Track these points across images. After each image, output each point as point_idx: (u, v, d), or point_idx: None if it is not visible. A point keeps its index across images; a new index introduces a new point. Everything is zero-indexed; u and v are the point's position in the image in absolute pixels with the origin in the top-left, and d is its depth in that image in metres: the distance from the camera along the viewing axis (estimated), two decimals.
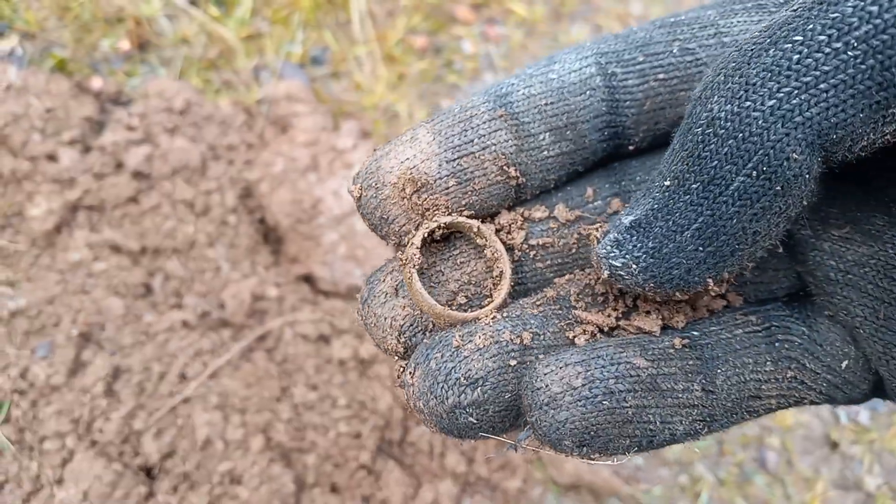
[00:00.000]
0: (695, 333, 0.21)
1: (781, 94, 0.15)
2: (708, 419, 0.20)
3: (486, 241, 0.22)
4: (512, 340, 0.20)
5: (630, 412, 0.19)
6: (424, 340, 0.21)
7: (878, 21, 0.14)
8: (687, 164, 0.17)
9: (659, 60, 0.21)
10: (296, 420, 1.34)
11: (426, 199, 0.21)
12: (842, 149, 0.16)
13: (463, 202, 0.21)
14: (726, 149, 0.16)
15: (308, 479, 1.29)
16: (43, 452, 1.27)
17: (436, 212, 0.21)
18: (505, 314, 0.21)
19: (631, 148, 0.23)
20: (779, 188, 0.16)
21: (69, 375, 1.32)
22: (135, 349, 1.38)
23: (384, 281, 0.23)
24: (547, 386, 0.19)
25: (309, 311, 1.50)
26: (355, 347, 1.46)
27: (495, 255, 0.22)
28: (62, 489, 1.19)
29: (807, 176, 0.16)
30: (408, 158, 0.20)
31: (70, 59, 1.73)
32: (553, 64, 0.22)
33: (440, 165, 0.20)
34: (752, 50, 0.16)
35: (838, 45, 0.15)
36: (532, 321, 0.21)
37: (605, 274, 0.19)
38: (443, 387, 0.19)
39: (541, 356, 0.20)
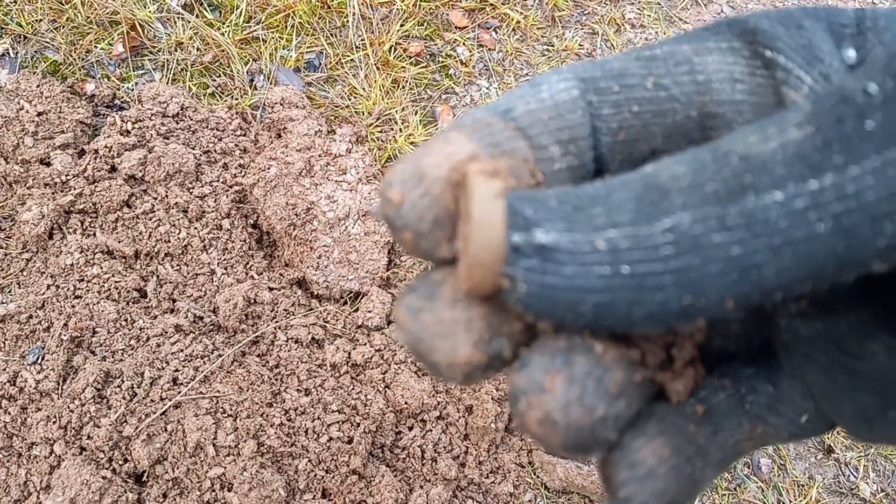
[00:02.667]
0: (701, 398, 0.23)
1: (749, 248, 0.16)
2: (708, 478, 0.22)
3: None
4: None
5: (697, 475, 0.20)
6: (554, 341, 0.18)
7: (854, 203, 0.15)
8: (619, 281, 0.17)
9: (633, 93, 0.21)
10: (287, 425, 1.33)
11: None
12: (773, 300, 0.17)
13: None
14: (679, 264, 0.17)
15: (299, 485, 1.29)
16: (31, 459, 1.26)
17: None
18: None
19: (606, 176, 0.23)
20: (697, 320, 0.17)
21: (59, 381, 1.32)
22: (126, 354, 1.38)
23: (442, 284, 0.20)
24: (644, 459, 0.19)
25: (302, 315, 1.50)
26: (348, 352, 1.46)
27: None
28: (49, 496, 1.19)
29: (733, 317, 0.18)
30: (452, 153, 0.19)
31: (63, 63, 1.73)
32: (540, 85, 0.22)
33: (486, 158, 0.19)
34: (733, 183, 0.17)
35: (812, 216, 0.15)
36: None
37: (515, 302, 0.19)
38: (593, 395, 0.18)
39: (626, 433, 0.21)
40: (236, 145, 1.68)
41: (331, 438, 1.32)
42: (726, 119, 0.22)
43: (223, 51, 1.79)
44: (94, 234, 1.50)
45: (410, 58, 1.91)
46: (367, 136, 1.75)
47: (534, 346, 0.20)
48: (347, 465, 1.30)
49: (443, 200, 0.19)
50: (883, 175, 0.15)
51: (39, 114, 1.58)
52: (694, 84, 0.22)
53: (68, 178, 1.52)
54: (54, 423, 1.26)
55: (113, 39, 1.77)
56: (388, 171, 0.20)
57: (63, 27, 1.75)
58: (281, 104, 1.69)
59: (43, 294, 1.42)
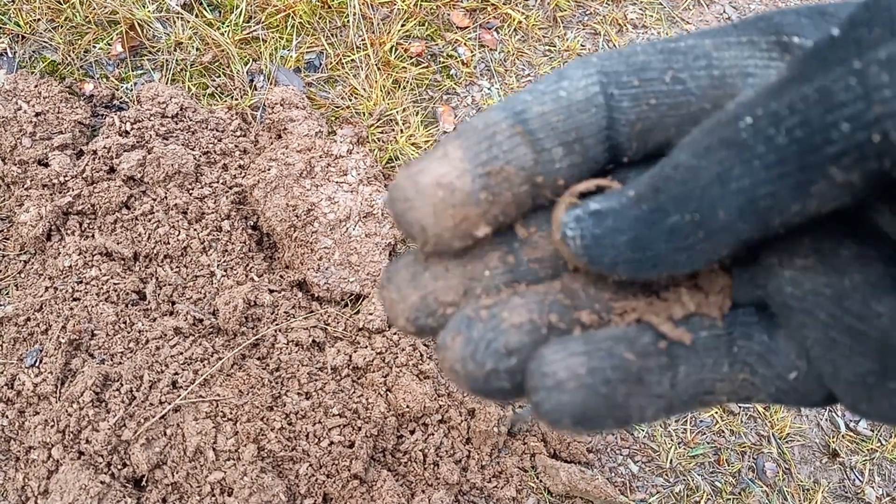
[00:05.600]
0: None
1: (726, 165, 0.19)
2: (669, 408, 0.23)
3: None
4: (541, 319, 0.23)
5: (620, 399, 0.21)
6: (466, 310, 0.23)
7: (803, 116, 0.17)
8: (649, 190, 0.21)
9: (651, 87, 0.23)
10: (288, 429, 1.32)
11: (460, 211, 0.23)
12: (773, 215, 0.19)
13: (491, 213, 0.23)
14: (678, 191, 0.20)
15: (300, 490, 1.27)
16: (29, 463, 1.24)
17: (466, 223, 0.23)
18: (533, 296, 0.24)
19: (625, 160, 0.26)
20: (705, 240, 0.20)
21: (57, 384, 1.30)
22: (125, 357, 1.36)
23: (401, 271, 0.25)
24: (554, 372, 0.21)
25: (303, 317, 1.48)
26: (349, 355, 1.44)
27: None
28: (47, 501, 1.17)
29: (731, 230, 0.20)
30: (443, 175, 0.22)
31: (61, 63, 1.71)
32: (562, 80, 0.24)
33: (473, 181, 0.22)
34: (724, 119, 0.19)
35: (772, 131, 0.18)
36: (556, 306, 0.23)
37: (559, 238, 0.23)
38: (483, 354, 0.22)
39: (549, 342, 0.23)
40: (236, 146, 1.66)
41: (332, 442, 1.31)
42: None
43: (223, 51, 1.78)
44: (93, 236, 1.49)
45: (411, 58, 1.90)
46: (368, 136, 1.74)
47: (456, 312, 0.24)
48: (349, 470, 1.28)
49: (431, 216, 0.23)
50: (827, 91, 0.17)
51: (37, 114, 1.57)
52: (709, 78, 0.24)
53: (66, 179, 1.50)
54: (52, 426, 1.25)
55: (112, 39, 1.75)
56: (391, 184, 0.23)
57: (61, 27, 1.74)
58: (281, 105, 1.68)
59: (41, 296, 1.41)
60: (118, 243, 1.48)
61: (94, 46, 1.74)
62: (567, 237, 0.22)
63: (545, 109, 0.23)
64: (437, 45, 1.95)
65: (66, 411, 1.26)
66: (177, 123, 1.62)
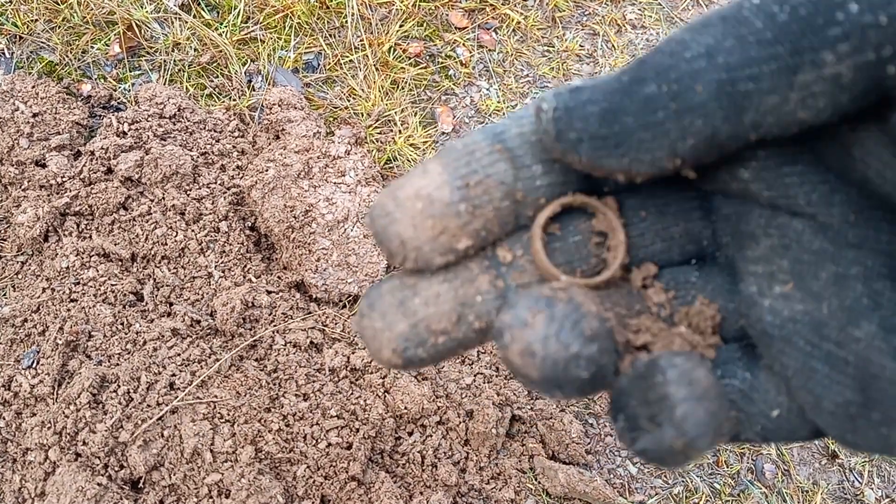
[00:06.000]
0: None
1: (718, 39, 0.18)
2: None
3: (606, 217, 0.25)
4: (605, 315, 0.23)
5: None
6: (540, 289, 0.22)
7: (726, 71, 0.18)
8: (635, 63, 0.20)
9: None
10: (286, 430, 1.31)
11: (439, 221, 0.23)
12: (748, 103, 0.18)
13: (472, 226, 0.23)
14: (662, 62, 0.19)
15: (297, 491, 1.27)
16: (26, 465, 1.24)
17: (446, 235, 0.23)
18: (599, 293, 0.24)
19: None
20: (674, 107, 0.19)
21: (54, 385, 1.30)
22: (122, 358, 1.36)
23: (385, 297, 0.24)
24: (699, 379, 0.22)
25: (301, 319, 1.48)
26: (347, 356, 1.44)
27: (612, 229, 0.25)
28: (44, 503, 1.17)
29: (703, 111, 0.19)
30: (422, 187, 0.23)
31: (59, 63, 1.71)
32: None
33: (451, 192, 0.23)
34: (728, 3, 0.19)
35: (775, 8, 0.17)
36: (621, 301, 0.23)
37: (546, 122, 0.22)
38: (569, 334, 0.20)
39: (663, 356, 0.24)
40: (234, 147, 1.66)
41: (329, 444, 1.30)
42: None
43: (221, 51, 1.77)
44: (90, 237, 1.49)
45: (410, 58, 1.90)
46: (366, 137, 1.74)
47: (518, 294, 0.23)
48: (347, 472, 1.28)
49: (408, 228, 0.22)
50: (742, 43, 0.18)
51: (35, 115, 1.57)
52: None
53: (64, 179, 1.50)
54: (49, 428, 1.25)
55: (109, 40, 1.75)
56: (372, 205, 0.24)
57: (59, 27, 1.74)
58: (279, 105, 1.67)
59: (38, 297, 1.40)
60: (116, 244, 1.47)
61: (92, 47, 1.74)
62: (542, 111, 0.22)
63: (524, 130, 0.23)
64: (435, 45, 1.94)
65: (63, 413, 1.25)
66: (174, 124, 1.62)
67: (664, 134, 0.20)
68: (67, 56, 1.71)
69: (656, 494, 1.47)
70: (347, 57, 1.84)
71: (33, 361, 1.33)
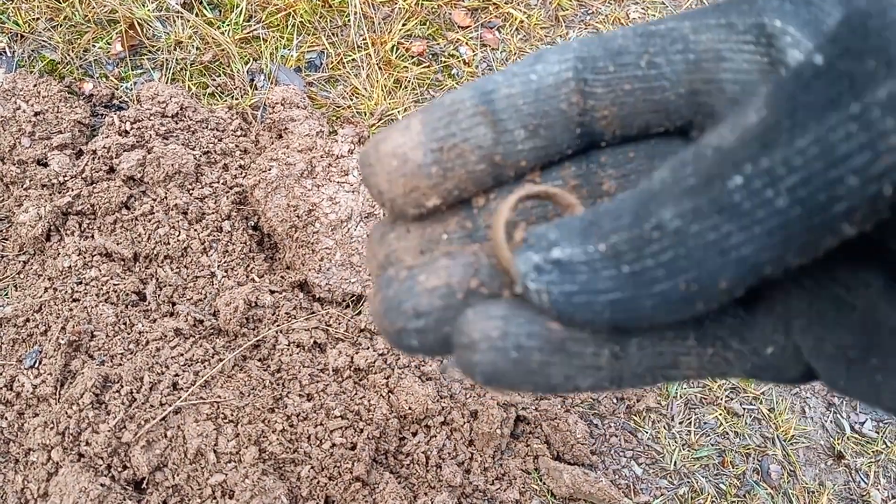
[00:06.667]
0: None
1: (722, 232, 0.17)
2: (616, 380, 0.22)
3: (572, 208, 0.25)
4: (460, 283, 0.23)
5: (534, 365, 0.21)
6: (389, 270, 0.24)
7: (804, 173, 0.16)
8: (628, 248, 0.19)
9: (626, 72, 0.23)
10: (289, 431, 1.31)
11: (410, 181, 0.24)
12: (775, 272, 0.18)
13: (443, 186, 0.24)
14: (667, 257, 0.18)
15: (302, 492, 1.26)
16: (28, 465, 1.23)
17: (416, 193, 0.24)
18: (461, 259, 0.24)
19: (602, 144, 0.25)
20: (702, 304, 0.19)
21: (57, 385, 1.29)
22: (125, 358, 1.35)
23: (375, 231, 0.26)
24: (469, 332, 0.21)
25: (304, 318, 1.47)
26: (351, 356, 1.43)
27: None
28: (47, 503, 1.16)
29: (734, 292, 0.19)
30: (399, 145, 0.23)
31: (61, 62, 1.70)
32: (537, 64, 0.24)
33: (425, 154, 0.23)
34: (705, 174, 0.18)
35: (770, 193, 0.16)
36: (484, 270, 0.23)
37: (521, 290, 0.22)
38: (394, 313, 0.22)
39: (478, 304, 0.23)
40: (237, 146, 1.65)
41: (334, 444, 1.30)
42: (711, 96, 0.23)
43: (223, 50, 1.76)
44: (93, 236, 1.48)
45: (413, 57, 1.89)
46: (369, 136, 1.73)
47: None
48: (351, 472, 1.27)
49: (384, 181, 0.24)
50: (826, 143, 0.16)
51: (36, 114, 1.56)
52: (684, 63, 0.23)
53: (66, 179, 1.49)
54: (52, 428, 1.24)
55: (111, 38, 1.74)
56: (362, 148, 0.25)
57: (60, 26, 1.73)
58: (282, 104, 1.67)
59: (40, 297, 1.39)
60: (118, 244, 1.47)
61: (94, 45, 1.73)
62: (530, 291, 0.21)
63: (512, 92, 0.23)
64: (438, 44, 1.94)
65: (66, 413, 1.25)
66: (177, 123, 1.61)
67: (694, 312, 0.19)
68: (69, 55, 1.71)
69: (661, 495, 1.46)
70: (350, 56, 1.84)
71: (35, 361, 1.32)
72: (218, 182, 1.57)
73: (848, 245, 0.19)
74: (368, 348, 1.45)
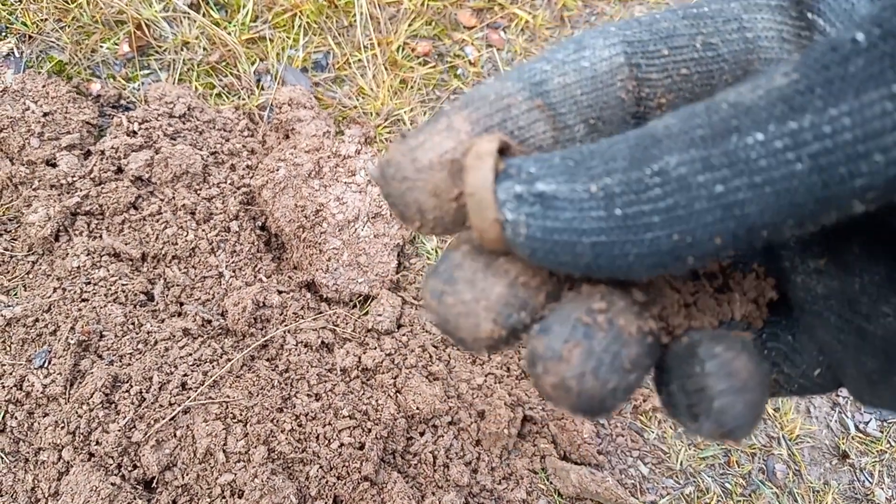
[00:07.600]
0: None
1: (730, 186, 0.17)
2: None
3: None
4: (649, 327, 0.21)
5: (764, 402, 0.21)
6: (575, 312, 0.20)
7: (831, 143, 0.15)
8: (625, 189, 0.18)
9: (682, 55, 0.22)
10: (298, 430, 1.31)
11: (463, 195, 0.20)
12: (770, 237, 0.18)
13: None
14: (666, 204, 0.17)
15: (310, 492, 1.27)
16: (38, 464, 1.24)
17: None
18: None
19: None
20: (692, 258, 0.18)
21: (66, 385, 1.30)
22: (134, 358, 1.36)
23: (462, 266, 0.22)
24: (738, 371, 0.21)
25: (311, 318, 1.48)
26: (358, 356, 1.44)
27: None
28: (58, 503, 1.17)
29: (727, 250, 0.18)
30: (447, 151, 0.20)
31: (69, 63, 1.71)
32: (583, 50, 0.22)
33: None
34: (720, 127, 0.17)
35: (791, 155, 0.16)
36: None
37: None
38: (608, 371, 0.19)
39: (703, 344, 0.22)
40: (244, 146, 1.66)
41: (342, 444, 1.30)
42: None
43: (230, 50, 1.77)
44: (101, 237, 1.48)
45: (419, 58, 1.90)
46: (376, 136, 1.74)
47: (554, 312, 0.20)
48: (359, 472, 1.28)
49: (429, 198, 0.20)
50: (860, 116, 0.15)
51: (45, 114, 1.57)
52: (743, 42, 0.22)
53: (74, 179, 1.50)
54: (62, 428, 1.24)
55: (119, 39, 1.75)
56: (383, 158, 0.20)
57: (68, 27, 1.73)
58: (289, 104, 1.67)
59: (49, 297, 1.40)
60: (126, 244, 1.47)
61: (102, 46, 1.74)
62: (507, 222, 0.18)
63: (568, 81, 0.21)
64: (444, 44, 1.94)
65: (76, 413, 1.25)
66: (184, 123, 1.62)
67: (682, 267, 0.18)
68: (77, 55, 1.71)
69: (668, 494, 1.46)
70: (356, 56, 1.84)
71: (45, 361, 1.33)
72: (225, 182, 1.58)
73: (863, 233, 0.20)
74: (376, 348, 1.46)
